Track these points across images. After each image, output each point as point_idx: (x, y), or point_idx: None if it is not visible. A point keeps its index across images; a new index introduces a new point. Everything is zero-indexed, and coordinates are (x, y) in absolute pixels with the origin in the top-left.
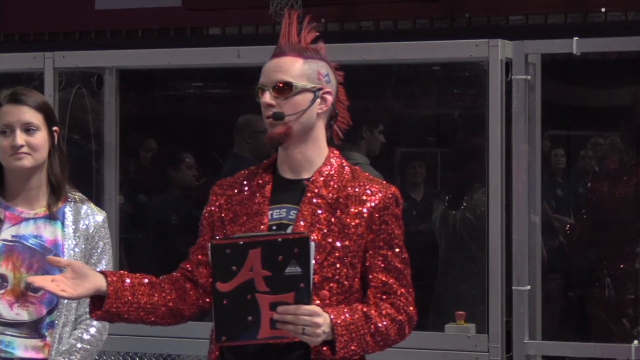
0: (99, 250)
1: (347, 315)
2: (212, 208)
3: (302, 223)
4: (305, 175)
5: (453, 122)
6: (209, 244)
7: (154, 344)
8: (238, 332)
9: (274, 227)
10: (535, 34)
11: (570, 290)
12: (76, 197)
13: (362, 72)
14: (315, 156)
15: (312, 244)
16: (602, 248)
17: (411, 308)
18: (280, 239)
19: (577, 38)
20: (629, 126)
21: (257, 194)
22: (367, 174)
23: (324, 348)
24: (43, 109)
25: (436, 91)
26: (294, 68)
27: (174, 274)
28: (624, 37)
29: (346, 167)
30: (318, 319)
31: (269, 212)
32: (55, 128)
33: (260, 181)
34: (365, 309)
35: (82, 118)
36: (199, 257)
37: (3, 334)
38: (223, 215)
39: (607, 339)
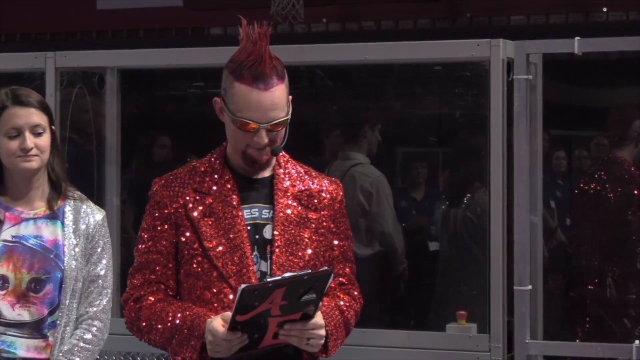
0: (99, 250)
1: (336, 314)
2: (170, 210)
3: (282, 223)
4: (264, 174)
5: (454, 122)
6: (241, 289)
7: None
8: (242, 348)
9: (249, 228)
10: (537, 34)
11: (571, 290)
12: (75, 195)
13: (363, 72)
14: (273, 157)
15: (332, 276)
16: (603, 248)
17: (360, 295)
18: (306, 277)
19: (578, 38)
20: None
21: (225, 193)
22: (310, 167)
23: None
24: (46, 109)
25: (437, 91)
26: (284, 99)
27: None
28: (626, 37)
29: (294, 163)
30: (322, 331)
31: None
32: (53, 127)
33: (221, 180)
34: (337, 303)
35: (83, 118)
36: (170, 265)
37: (5, 334)
38: (191, 214)
39: (609, 339)
